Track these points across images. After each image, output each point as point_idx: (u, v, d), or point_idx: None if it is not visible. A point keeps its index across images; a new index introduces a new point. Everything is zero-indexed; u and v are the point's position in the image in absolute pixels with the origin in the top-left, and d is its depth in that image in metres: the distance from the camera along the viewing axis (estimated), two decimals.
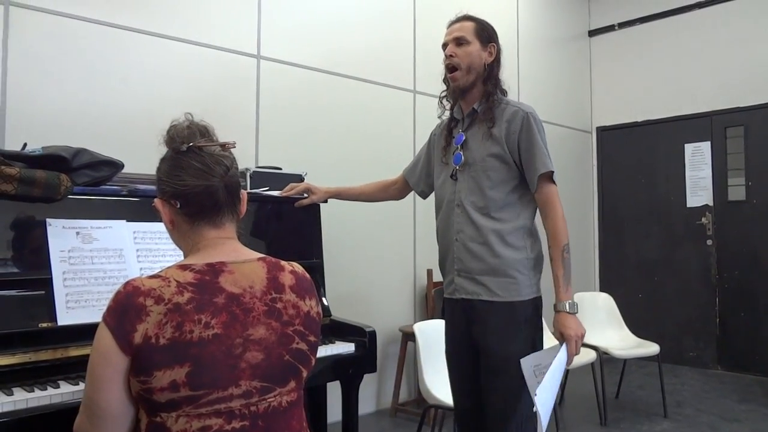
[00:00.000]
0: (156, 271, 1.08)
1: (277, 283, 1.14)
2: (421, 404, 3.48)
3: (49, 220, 1.67)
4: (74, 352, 1.60)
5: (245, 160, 2.89)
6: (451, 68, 1.93)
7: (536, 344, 1.87)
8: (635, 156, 5.40)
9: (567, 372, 3.82)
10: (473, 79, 1.91)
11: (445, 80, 2.00)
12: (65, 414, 1.41)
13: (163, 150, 1.17)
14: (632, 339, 3.94)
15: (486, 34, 1.93)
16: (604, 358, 3.62)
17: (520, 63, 4.89)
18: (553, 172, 1.83)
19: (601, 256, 5.59)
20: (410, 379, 3.85)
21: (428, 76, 3.91)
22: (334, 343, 2.15)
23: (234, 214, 1.19)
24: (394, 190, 2.31)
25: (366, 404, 3.59)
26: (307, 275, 1.22)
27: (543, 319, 1.93)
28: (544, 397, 1.61)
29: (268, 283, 1.12)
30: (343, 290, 3.34)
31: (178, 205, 1.14)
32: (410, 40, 4.01)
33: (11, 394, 1.45)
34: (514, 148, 1.86)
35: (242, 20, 3.17)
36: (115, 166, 1.84)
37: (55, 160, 1.69)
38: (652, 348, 3.70)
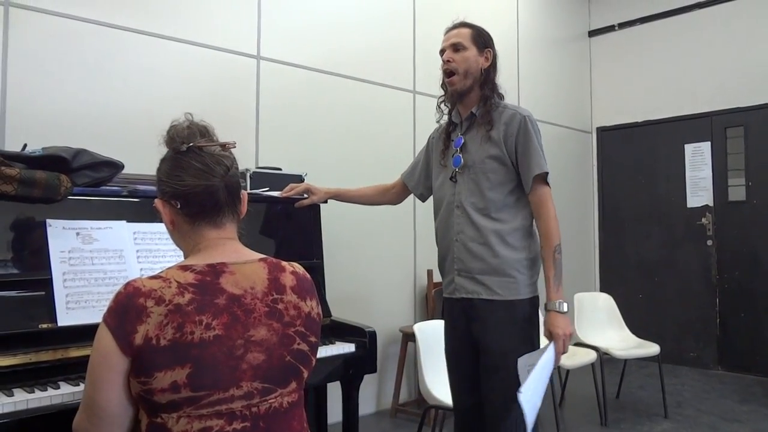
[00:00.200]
0: (156, 272, 1.07)
1: (279, 284, 1.13)
2: (422, 405, 3.48)
3: (49, 221, 1.67)
4: (74, 352, 1.60)
5: (245, 160, 2.88)
6: (448, 73, 1.98)
7: (534, 342, 1.92)
8: (635, 156, 5.39)
9: (567, 372, 3.83)
10: (470, 83, 1.96)
11: (443, 85, 2.04)
12: (65, 415, 1.40)
13: (163, 150, 1.17)
14: (632, 339, 3.94)
15: (482, 40, 1.99)
16: (604, 358, 3.62)
17: (520, 63, 4.89)
18: (547, 173, 1.87)
19: (602, 256, 5.59)
20: (410, 380, 3.84)
21: (428, 76, 3.91)
22: (334, 343, 2.14)
23: (234, 214, 1.19)
24: (392, 195, 2.34)
25: (366, 405, 3.59)
26: (308, 276, 1.22)
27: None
28: (529, 395, 1.61)
29: (269, 284, 1.12)
30: (343, 290, 3.34)
31: (179, 206, 1.13)
32: (410, 41, 4.01)
33: (12, 394, 1.45)
34: (511, 150, 1.90)
35: (242, 21, 3.17)
36: (115, 166, 1.84)
37: (55, 161, 1.69)
38: (652, 348, 3.70)
